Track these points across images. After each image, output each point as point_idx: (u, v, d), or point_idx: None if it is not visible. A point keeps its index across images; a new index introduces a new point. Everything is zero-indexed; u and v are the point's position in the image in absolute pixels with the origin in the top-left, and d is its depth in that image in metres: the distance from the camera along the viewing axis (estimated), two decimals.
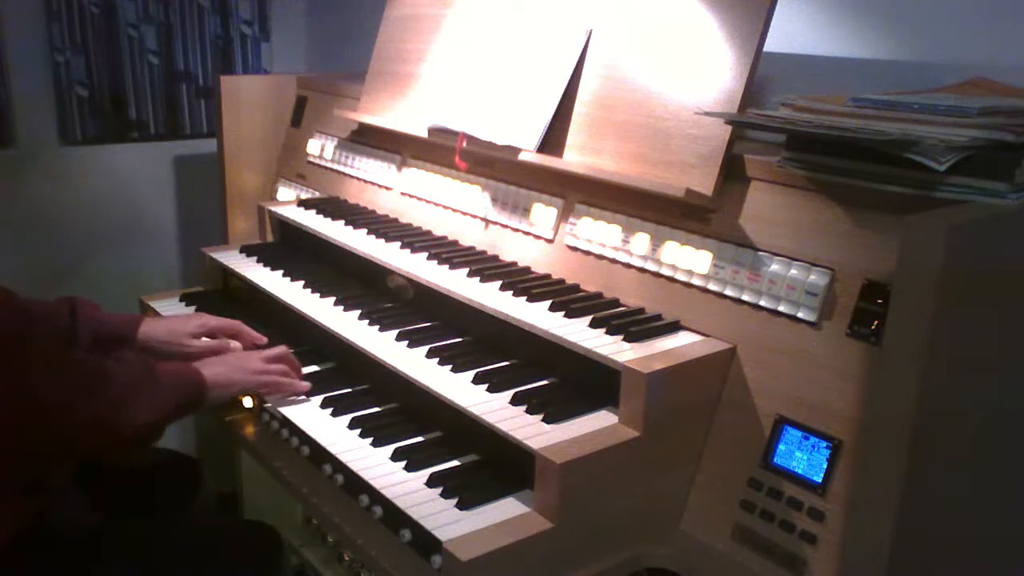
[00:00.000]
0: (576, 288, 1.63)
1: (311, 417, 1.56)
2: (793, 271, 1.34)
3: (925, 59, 1.57)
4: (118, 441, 1.38)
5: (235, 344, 1.75)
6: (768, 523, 1.30)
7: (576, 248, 1.67)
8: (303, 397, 1.62)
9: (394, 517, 1.29)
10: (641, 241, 1.55)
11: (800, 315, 1.32)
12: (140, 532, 1.57)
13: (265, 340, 1.79)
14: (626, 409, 1.33)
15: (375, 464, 1.40)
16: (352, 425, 1.52)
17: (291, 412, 1.57)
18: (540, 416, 1.35)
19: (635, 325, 1.43)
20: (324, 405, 1.59)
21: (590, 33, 1.69)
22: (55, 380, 1.30)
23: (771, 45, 1.44)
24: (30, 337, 1.31)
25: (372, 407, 1.59)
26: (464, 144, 1.83)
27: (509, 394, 1.41)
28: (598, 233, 1.62)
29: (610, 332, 1.42)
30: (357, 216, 2.07)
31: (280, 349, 1.66)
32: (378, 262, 1.81)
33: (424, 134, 1.93)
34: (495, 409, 1.37)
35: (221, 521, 2.01)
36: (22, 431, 1.28)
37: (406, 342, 1.59)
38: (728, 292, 1.42)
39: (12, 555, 1.33)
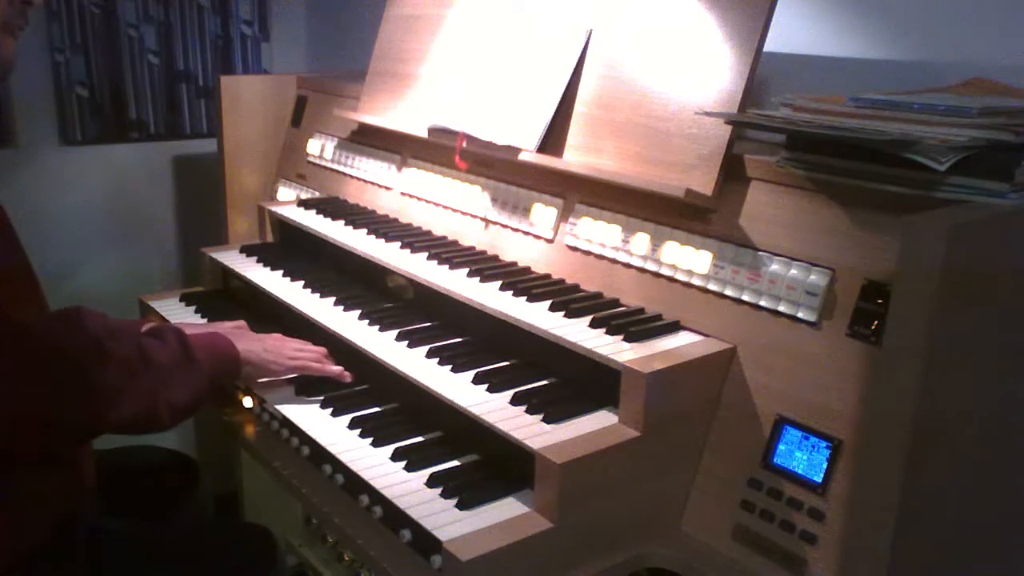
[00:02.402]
0: (576, 288, 1.63)
1: (311, 417, 1.56)
2: (793, 271, 1.34)
3: (925, 59, 1.57)
4: (155, 421, 1.38)
5: None
6: (768, 523, 1.30)
7: (576, 248, 1.67)
8: (303, 397, 1.62)
9: (394, 517, 1.29)
10: (641, 241, 1.55)
11: (800, 315, 1.32)
12: (135, 535, 1.57)
13: None
14: (626, 409, 1.33)
15: (375, 464, 1.40)
16: (352, 425, 1.51)
17: (291, 412, 1.57)
18: (540, 416, 1.35)
19: (635, 325, 1.43)
20: (324, 405, 1.59)
21: (590, 33, 1.69)
22: (104, 368, 1.31)
23: (771, 45, 1.44)
24: (74, 336, 1.32)
25: (372, 407, 1.59)
26: (464, 144, 1.83)
27: (509, 394, 1.41)
28: (598, 233, 1.62)
29: (610, 332, 1.42)
30: (357, 216, 2.07)
31: (319, 348, 1.67)
32: (378, 262, 1.81)
33: (424, 134, 1.93)
34: (495, 409, 1.37)
35: (216, 524, 2.01)
36: (71, 414, 1.30)
37: (406, 342, 1.59)
38: (728, 292, 1.42)
39: (27, 558, 1.34)
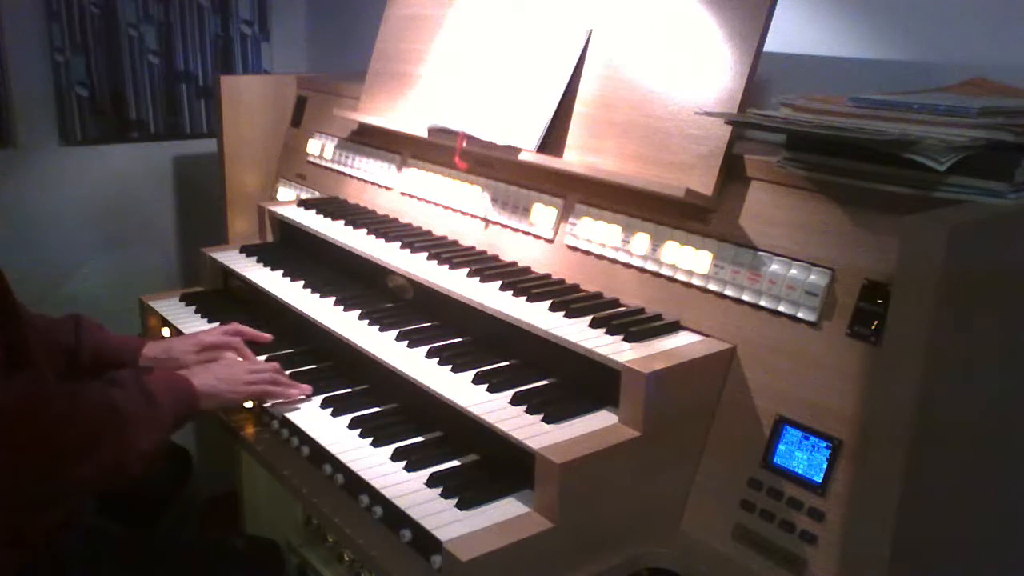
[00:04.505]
0: (576, 288, 1.63)
1: (311, 417, 1.56)
2: (793, 271, 1.34)
3: (925, 59, 1.57)
4: (126, 470, 1.38)
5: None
6: (768, 523, 1.30)
7: (576, 248, 1.67)
8: (304, 397, 1.62)
9: (394, 517, 1.29)
10: (641, 241, 1.55)
11: (800, 315, 1.32)
12: (140, 549, 1.56)
13: (269, 338, 1.80)
14: (626, 409, 1.33)
15: (375, 464, 1.40)
16: (352, 425, 1.52)
17: (291, 412, 1.57)
18: (540, 416, 1.35)
19: (635, 325, 1.43)
20: (324, 405, 1.59)
21: (590, 33, 1.69)
22: (73, 426, 1.30)
23: (771, 45, 1.44)
24: (44, 389, 1.30)
25: (372, 407, 1.59)
26: (464, 144, 1.83)
27: (509, 394, 1.41)
28: (598, 233, 1.62)
29: (610, 332, 1.42)
30: (357, 216, 2.07)
31: (270, 365, 1.66)
32: (378, 262, 1.81)
33: (424, 134, 1.93)
34: (495, 409, 1.37)
35: (222, 537, 2.00)
36: (41, 475, 1.28)
37: (406, 342, 1.59)
38: (728, 292, 1.42)
39: (24, 564, 1.33)
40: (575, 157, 1.68)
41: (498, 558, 1.18)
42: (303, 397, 1.62)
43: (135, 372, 1.49)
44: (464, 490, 1.31)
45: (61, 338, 1.65)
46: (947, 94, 1.34)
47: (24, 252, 2.61)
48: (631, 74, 1.61)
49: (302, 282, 1.90)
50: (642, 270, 1.55)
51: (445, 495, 1.31)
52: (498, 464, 1.38)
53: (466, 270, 1.69)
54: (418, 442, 1.47)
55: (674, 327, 1.46)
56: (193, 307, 2.04)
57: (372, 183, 2.21)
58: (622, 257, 1.58)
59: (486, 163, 1.87)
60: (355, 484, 1.37)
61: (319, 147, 2.41)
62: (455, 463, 1.42)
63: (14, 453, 1.24)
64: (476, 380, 1.46)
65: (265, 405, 1.61)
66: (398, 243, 1.86)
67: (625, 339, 1.40)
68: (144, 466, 1.40)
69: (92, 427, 1.33)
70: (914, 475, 1.06)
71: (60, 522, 1.39)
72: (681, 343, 1.41)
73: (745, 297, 1.39)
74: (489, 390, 1.43)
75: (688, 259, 1.47)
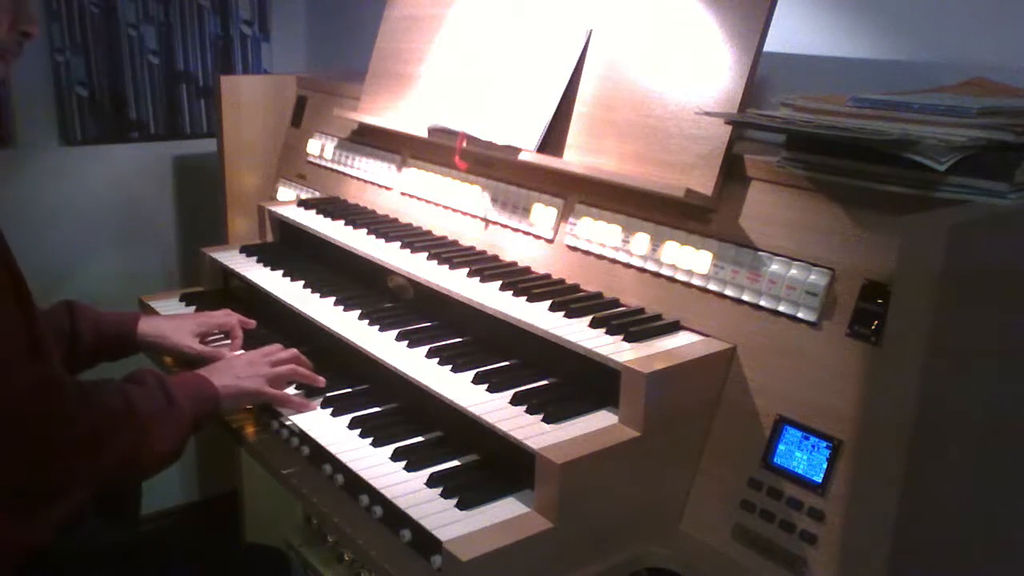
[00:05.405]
0: (576, 288, 1.63)
1: (311, 417, 1.56)
2: (793, 271, 1.34)
3: (925, 59, 1.57)
4: (140, 469, 1.38)
5: (228, 352, 1.75)
6: (768, 523, 1.30)
7: (576, 248, 1.67)
8: (317, 392, 1.62)
9: (394, 517, 1.29)
10: (641, 241, 1.55)
11: (800, 315, 1.32)
12: (140, 552, 1.56)
13: (253, 324, 1.84)
14: (626, 409, 1.33)
15: (375, 464, 1.40)
16: (352, 425, 1.51)
17: (291, 412, 1.57)
18: (540, 416, 1.35)
19: (635, 325, 1.43)
20: (324, 405, 1.59)
21: (590, 33, 1.69)
22: (83, 429, 1.30)
23: (771, 45, 1.44)
24: (55, 396, 1.29)
25: (372, 407, 1.59)
26: (464, 144, 1.83)
27: (509, 394, 1.41)
28: (598, 233, 1.62)
29: (610, 332, 1.42)
30: (357, 216, 2.07)
31: (290, 351, 1.65)
32: (378, 262, 1.81)
33: (424, 134, 1.93)
34: (495, 409, 1.37)
35: (229, 547, 1.99)
36: (50, 473, 1.28)
37: (406, 342, 1.59)
38: (728, 292, 1.42)
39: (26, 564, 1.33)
40: (575, 157, 1.68)
41: (498, 558, 1.17)
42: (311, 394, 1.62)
43: (157, 372, 1.49)
44: (464, 490, 1.31)
45: (58, 325, 1.66)
46: (947, 94, 1.34)
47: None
48: (631, 74, 1.61)
49: (302, 282, 1.90)
50: (642, 270, 1.55)
51: (445, 495, 1.31)
52: (498, 464, 1.38)
53: (466, 270, 1.69)
54: (418, 442, 1.47)
55: (674, 327, 1.46)
56: (193, 307, 2.04)
57: (372, 183, 2.21)
58: (622, 257, 1.58)
59: (486, 163, 1.87)
60: (355, 484, 1.37)
61: (319, 147, 2.41)
62: (455, 463, 1.42)
63: (23, 444, 1.23)
64: (476, 380, 1.46)
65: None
66: (398, 243, 1.86)
67: (625, 339, 1.41)
68: (161, 466, 1.40)
69: (104, 424, 1.32)
70: (914, 475, 1.06)
71: (61, 523, 1.39)
72: (681, 343, 1.41)
73: (745, 297, 1.39)
74: (489, 390, 1.43)
75: (688, 259, 1.47)
